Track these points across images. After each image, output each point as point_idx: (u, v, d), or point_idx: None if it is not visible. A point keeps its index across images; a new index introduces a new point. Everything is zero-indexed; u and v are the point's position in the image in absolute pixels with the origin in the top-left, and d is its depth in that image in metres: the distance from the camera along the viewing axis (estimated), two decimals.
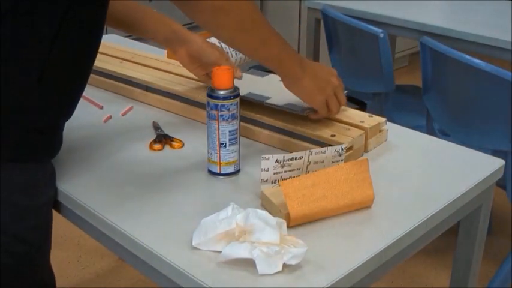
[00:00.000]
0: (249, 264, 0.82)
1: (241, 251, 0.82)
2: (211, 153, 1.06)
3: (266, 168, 0.97)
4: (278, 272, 0.82)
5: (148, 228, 0.93)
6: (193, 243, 0.87)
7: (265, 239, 0.83)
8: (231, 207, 0.88)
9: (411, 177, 1.09)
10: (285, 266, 0.82)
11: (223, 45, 1.52)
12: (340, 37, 2.33)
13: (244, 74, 1.30)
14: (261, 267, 0.81)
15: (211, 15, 0.96)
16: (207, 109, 1.04)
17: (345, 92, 1.18)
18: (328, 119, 1.19)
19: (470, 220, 1.18)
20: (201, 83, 1.35)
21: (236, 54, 1.42)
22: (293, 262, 0.82)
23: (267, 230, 0.83)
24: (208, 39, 1.51)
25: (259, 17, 1.01)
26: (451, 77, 1.90)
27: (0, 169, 0.93)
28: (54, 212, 1.15)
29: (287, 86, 1.11)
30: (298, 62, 1.08)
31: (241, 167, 1.09)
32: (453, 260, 1.25)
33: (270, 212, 0.90)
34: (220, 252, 0.84)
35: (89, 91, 1.46)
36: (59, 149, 1.05)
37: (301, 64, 1.08)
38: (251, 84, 1.29)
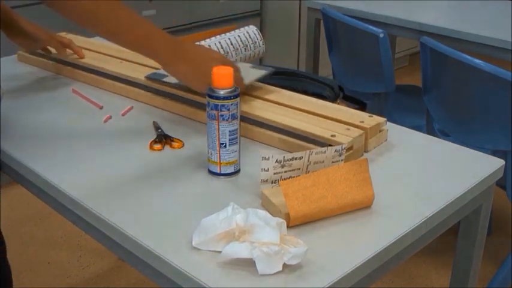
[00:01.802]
0: (249, 264, 0.82)
1: (241, 251, 0.82)
2: (211, 153, 1.06)
3: (266, 168, 0.97)
4: (278, 272, 0.82)
5: (148, 228, 0.93)
6: (193, 243, 0.87)
7: (265, 239, 0.83)
8: (231, 207, 0.88)
9: (411, 177, 1.09)
10: (285, 266, 0.82)
11: (223, 44, 1.52)
12: (340, 37, 2.33)
13: None
14: (261, 267, 0.81)
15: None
16: (207, 109, 1.04)
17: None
18: (328, 119, 1.19)
19: (470, 220, 1.18)
20: None
21: (236, 54, 1.42)
22: (293, 262, 0.82)
23: (267, 230, 0.83)
24: (199, 42, 1.52)
25: (120, 4, 1.06)
26: (451, 77, 1.90)
27: None
28: (53, 212, 1.15)
29: (166, 71, 1.17)
30: (171, 48, 1.13)
31: (241, 167, 1.09)
32: (453, 260, 1.25)
33: (270, 212, 0.90)
34: (220, 252, 0.84)
35: (89, 91, 1.46)
36: None
37: (175, 49, 1.13)
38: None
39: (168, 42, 1.13)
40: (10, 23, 1.44)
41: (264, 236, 0.83)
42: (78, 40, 1.70)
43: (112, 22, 1.07)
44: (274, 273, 0.82)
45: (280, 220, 0.86)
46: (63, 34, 1.76)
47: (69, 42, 1.55)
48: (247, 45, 1.54)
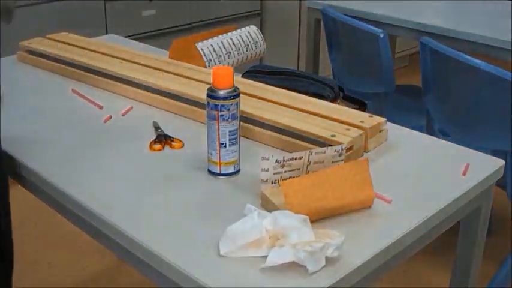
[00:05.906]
0: (249, 264, 0.82)
1: (285, 256, 0.82)
2: (211, 153, 1.06)
3: (266, 168, 0.97)
4: (279, 272, 0.82)
5: (148, 229, 0.93)
6: (221, 252, 0.86)
7: (302, 238, 0.83)
8: (256, 213, 0.87)
9: (411, 177, 1.09)
10: (285, 265, 0.82)
11: (226, 44, 1.52)
12: (340, 37, 2.33)
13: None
14: (312, 267, 0.81)
15: None
16: (207, 109, 1.04)
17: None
18: (328, 119, 1.19)
19: (470, 220, 1.18)
20: (201, 83, 1.35)
21: (238, 54, 1.42)
22: (335, 254, 0.83)
23: (300, 230, 0.83)
24: (201, 42, 1.52)
25: None
26: (451, 77, 1.90)
27: None
28: (53, 212, 1.15)
29: None
30: None
31: (241, 167, 1.09)
32: (453, 260, 1.25)
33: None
34: (251, 257, 0.84)
35: (89, 91, 1.46)
36: None
37: None
38: None
39: None
40: None
41: (300, 236, 0.83)
42: (78, 40, 1.70)
43: None
44: (275, 273, 0.82)
45: (303, 216, 0.86)
46: (62, 34, 1.76)
47: None
48: (248, 45, 1.54)
